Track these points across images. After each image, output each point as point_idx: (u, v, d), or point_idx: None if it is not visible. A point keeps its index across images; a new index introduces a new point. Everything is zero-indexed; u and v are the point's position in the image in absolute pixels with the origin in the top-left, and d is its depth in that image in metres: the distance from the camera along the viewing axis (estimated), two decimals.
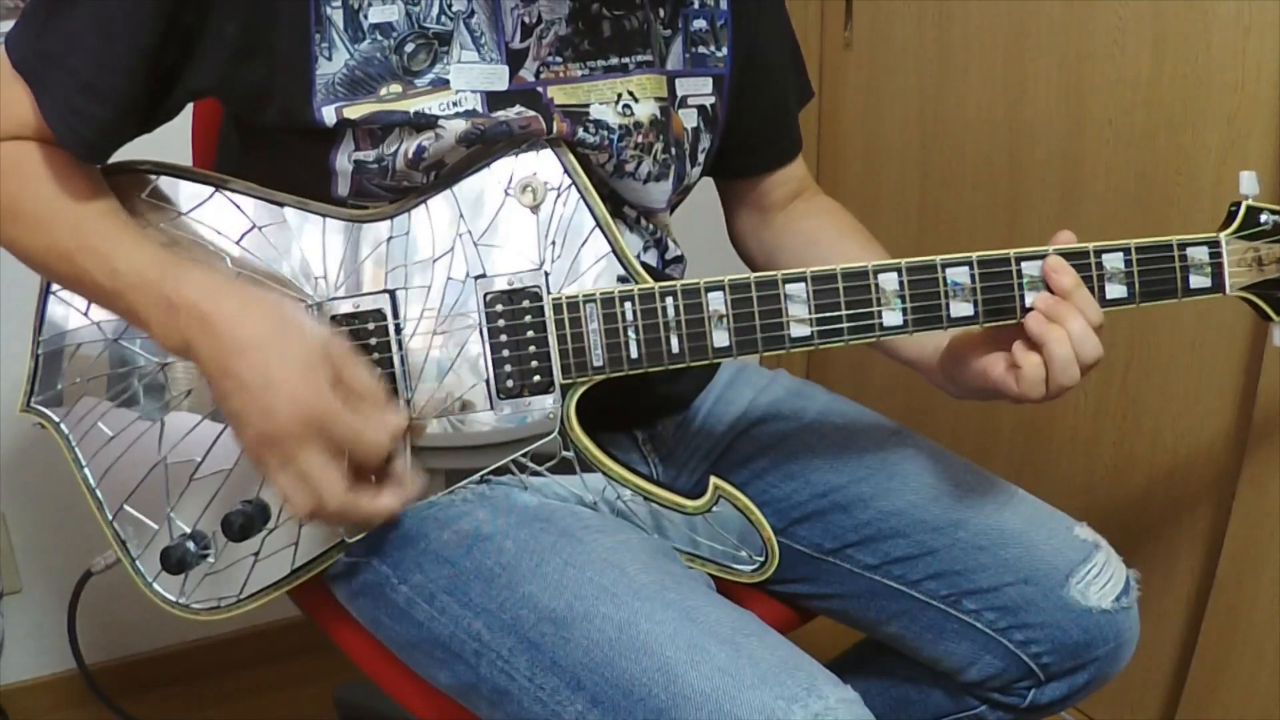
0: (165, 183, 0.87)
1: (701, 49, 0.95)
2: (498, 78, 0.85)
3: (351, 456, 0.76)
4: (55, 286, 0.89)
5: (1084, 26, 1.32)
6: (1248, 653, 1.23)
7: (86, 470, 0.89)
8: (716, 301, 0.84)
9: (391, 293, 0.85)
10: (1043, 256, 0.84)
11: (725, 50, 0.97)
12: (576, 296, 0.84)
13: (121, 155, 0.86)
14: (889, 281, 0.83)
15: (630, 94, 0.89)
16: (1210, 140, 1.19)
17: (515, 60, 0.85)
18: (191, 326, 0.75)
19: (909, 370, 0.96)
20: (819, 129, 1.85)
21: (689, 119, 0.95)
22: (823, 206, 1.09)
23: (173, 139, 0.97)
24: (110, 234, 0.80)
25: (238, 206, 0.86)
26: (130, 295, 0.78)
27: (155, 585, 0.91)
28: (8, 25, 0.83)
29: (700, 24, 0.95)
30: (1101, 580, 0.92)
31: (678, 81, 0.94)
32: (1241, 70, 1.15)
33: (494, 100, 0.84)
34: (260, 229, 0.86)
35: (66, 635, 1.04)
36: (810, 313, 0.84)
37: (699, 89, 0.96)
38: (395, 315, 0.85)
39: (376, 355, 0.85)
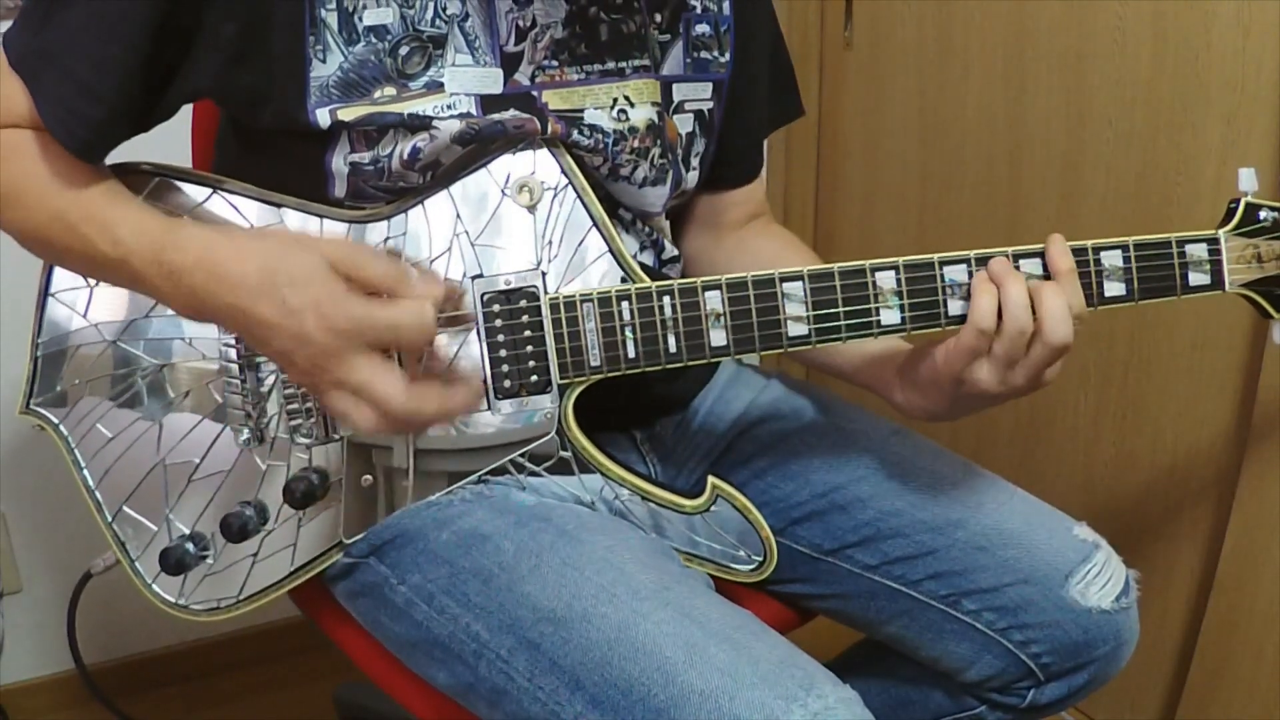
0: (164, 184, 0.87)
1: (704, 54, 0.95)
2: (492, 81, 0.85)
3: (401, 352, 0.74)
4: (54, 288, 0.89)
5: (1084, 26, 1.32)
6: (1248, 653, 1.23)
7: (86, 472, 0.89)
8: (714, 301, 0.83)
9: None
10: (1040, 254, 0.83)
11: (728, 55, 0.97)
12: (573, 296, 0.84)
13: (121, 155, 0.86)
14: (886, 280, 0.83)
15: (626, 99, 0.89)
16: (1210, 140, 1.19)
17: (509, 64, 0.85)
18: (198, 287, 0.75)
19: None
20: (819, 129, 1.85)
21: (684, 124, 0.95)
22: (779, 232, 1.09)
23: (172, 140, 0.97)
24: (112, 204, 0.80)
25: (236, 208, 0.86)
26: (134, 262, 0.77)
27: (155, 586, 0.91)
28: (8, 25, 0.83)
29: (703, 28, 0.95)
30: (1101, 580, 0.92)
31: (675, 87, 0.94)
32: (1241, 70, 1.15)
33: (488, 103, 0.84)
34: (255, 228, 0.86)
35: (66, 635, 1.04)
36: (808, 311, 0.83)
37: (698, 94, 0.96)
38: None
39: None
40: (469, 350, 0.85)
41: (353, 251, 0.76)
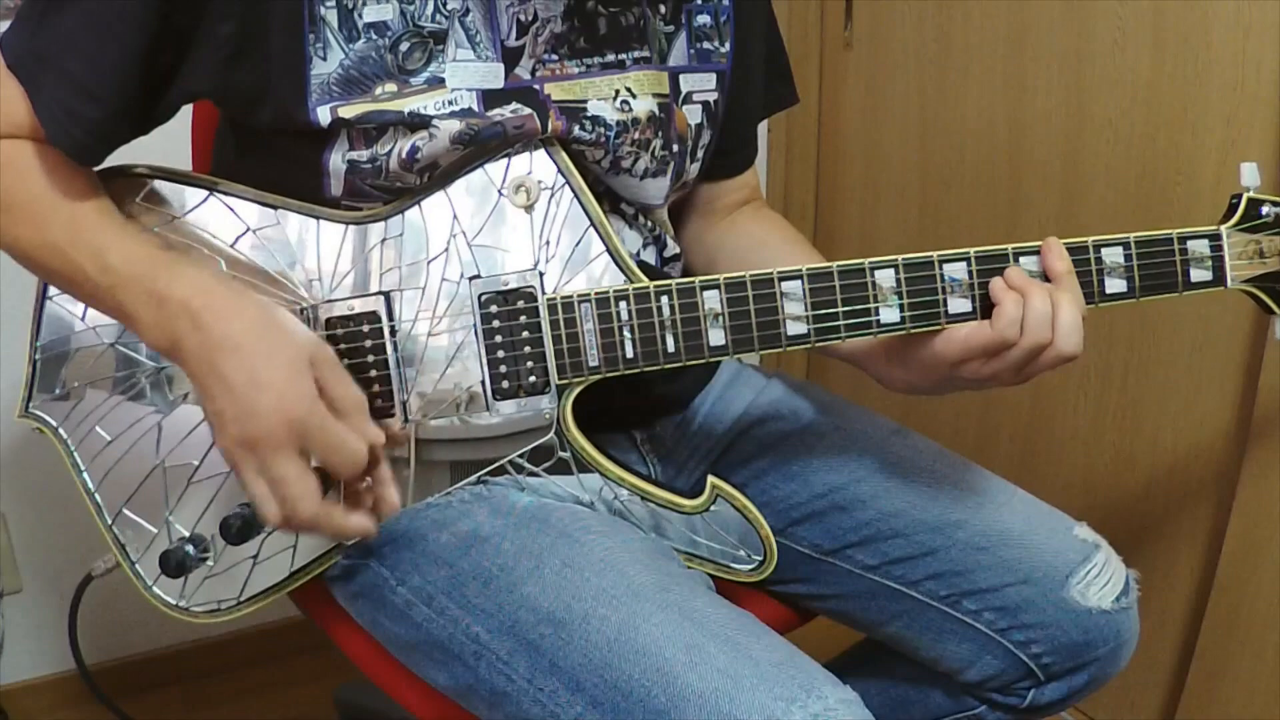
0: (160, 186, 0.87)
1: (706, 44, 0.95)
2: (493, 76, 0.85)
3: (327, 468, 0.75)
4: (52, 291, 0.89)
5: (1084, 26, 1.32)
6: (1248, 653, 1.23)
7: (86, 475, 0.89)
8: (712, 300, 0.83)
9: (386, 294, 0.85)
10: (1039, 252, 0.83)
11: (728, 46, 0.97)
12: (571, 296, 0.84)
13: (120, 157, 0.86)
14: (886, 278, 0.83)
15: (628, 90, 0.89)
16: (1210, 140, 1.19)
17: (511, 58, 0.85)
18: (181, 323, 0.75)
19: None
20: (819, 129, 1.85)
21: (693, 115, 0.95)
22: (770, 215, 1.09)
23: (173, 141, 0.97)
24: (104, 230, 0.80)
25: (232, 210, 0.86)
26: (121, 291, 0.77)
27: (155, 589, 0.91)
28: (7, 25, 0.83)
29: (704, 19, 0.95)
30: (1101, 580, 0.92)
31: (682, 78, 0.94)
32: (1241, 70, 1.15)
33: (490, 98, 0.84)
34: (255, 232, 0.86)
35: (66, 635, 1.04)
36: (806, 310, 0.83)
37: (703, 85, 0.96)
38: (390, 317, 0.85)
39: (372, 358, 0.85)
40: (466, 354, 0.85)
41: (334, 363, 0.76)
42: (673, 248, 1.00)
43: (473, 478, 0.88)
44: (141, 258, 0.78)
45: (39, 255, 0.82)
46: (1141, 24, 1.25)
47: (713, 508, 0.90)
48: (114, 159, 0.86)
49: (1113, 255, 0.84)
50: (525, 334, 0.85)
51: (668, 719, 0.72)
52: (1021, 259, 0.83)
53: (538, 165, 0.85)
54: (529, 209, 0.85)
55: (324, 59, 0.81)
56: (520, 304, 0.85)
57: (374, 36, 0.82)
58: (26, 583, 1.54)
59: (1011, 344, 0.80)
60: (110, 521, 0.90)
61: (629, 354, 0.84)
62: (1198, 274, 0.85)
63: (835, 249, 1.83)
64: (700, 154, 0.97)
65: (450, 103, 0.83)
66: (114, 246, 0.79)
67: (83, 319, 0.88)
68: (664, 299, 0.84)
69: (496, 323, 0.85)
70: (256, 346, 0.73)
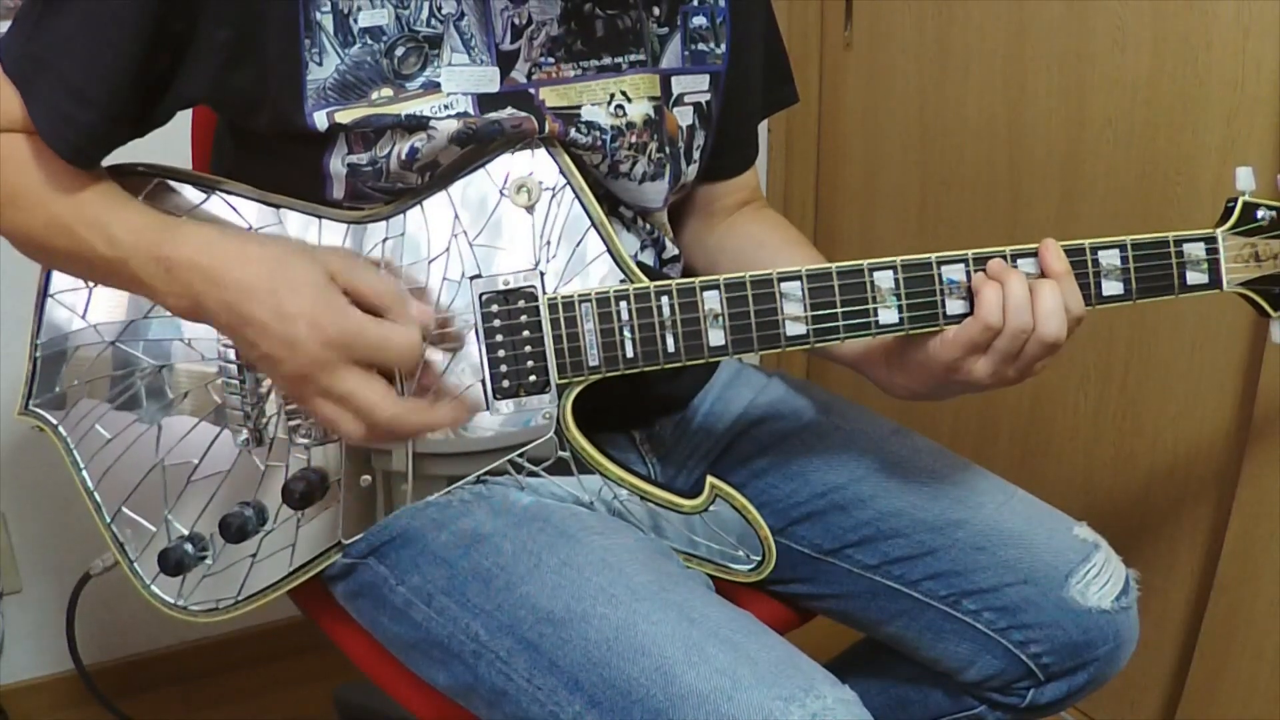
0: (162, 185, 0.87)
1: (701, 46, 0.95)
2: (489, 80, 0.85)
3: (387, 369, 0.76)
4: (53, 289, 0.89)
5: (1084, 26, 1.32)
6: (1248, 653, 1.23)
7: (85, 473, 0.89)
8: (712, 300, 0.83)
9: None
10: (1037, 254, 0.83)
11: (724, 47, 0.97)
12: (572, 296, 0.84)
13: (119, 157, 0.86)
14: (885, 279, 0.83)
15: (623, 94, 0.89)
16: (1210, 140, 1.19)
17: (506, 62, 0.85)
18: (195, 283, 0.76)
19: None
20: (819, 129, 1.85)
21: (684, 117, 0.95)
22: (770, 215, 1.09)
23: (172, 142, 0.97)
24: (107, 204, 0.81)
25: (235, 209, 0.86)
26: (132, 262, 0.78)
27: (153, 587, 0.91)
28: (7, 26, 0.83)
29: (700, 20, 0.95)
30: (1101, 580, 0.92)
31: (674, 79, 0.94)
32: (1241, 70, 1.15)
33: (485, 102, 0.84)
34: (257, 231, 0.86)
35: (65, 636, 1.04)
36: (806, 311, 0.84)
37: (696, 86, 0.96)
38: None
39: None
40: (467, 353, 0.85)
41: (353, 264, 0.78)
42: (671, 249, 1.00)
43: (472, 477, 0.88)
44: (143, 226, 0.79)
45: (47, 237, 0.82)
46: (1141, 24, 1.25)
47: (712, 508, 0.90)
48: (112, 160, 0.85)
49: (1109, 258, 0.84)
50: (526, 333, 0.85)
51: (666, 718, 0.72)
52: (1019, 261, 0.83)
53: (539, 165, 0.85)
54: (530, 209, 0.85)
55: (320, 64, 0.81)
56: (521, 303, 0.85)
57: (369, 42, 0.82)
58: (26, 582, 1.54)
59: (996, 330, 0.80)
60: (109, 520, 0.90)
61: (629, 354, 0.84)
62: (1193, 277, 0.86)
63: (835, 249, 1.84)
64: (696, 155, 0.97)
65: (446, 107, 0.83)
66: (116, 219, 0.79)
67: (83, 317, 0.88)
68: (664, 299, 0.84)
69: (497, 322, 0.85)
70: (274, 282, 0.75)
